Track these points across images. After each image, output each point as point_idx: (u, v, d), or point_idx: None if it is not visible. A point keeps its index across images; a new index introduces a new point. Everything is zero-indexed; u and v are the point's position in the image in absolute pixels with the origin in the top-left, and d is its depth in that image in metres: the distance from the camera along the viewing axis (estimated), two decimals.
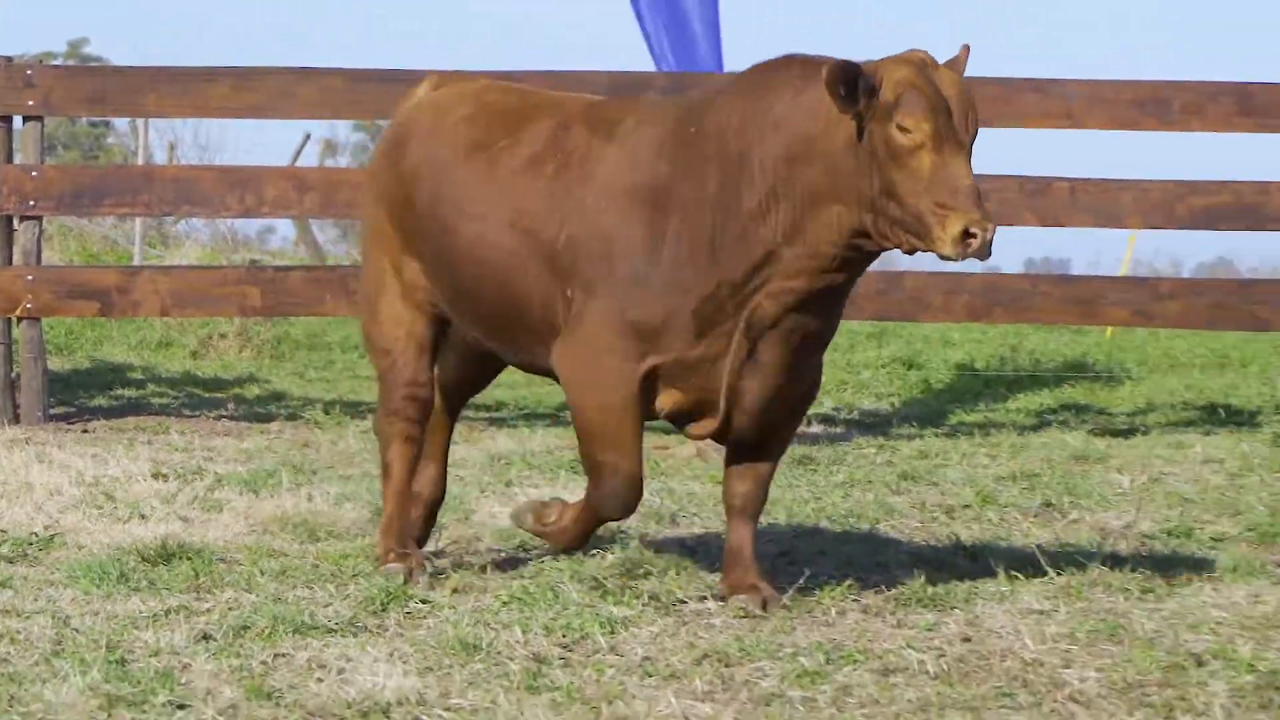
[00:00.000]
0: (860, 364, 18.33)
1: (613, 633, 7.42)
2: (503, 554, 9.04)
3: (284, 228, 37.26)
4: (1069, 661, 7.14)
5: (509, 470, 11.77)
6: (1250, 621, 7.86)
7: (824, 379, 8.29)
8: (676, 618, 7.73)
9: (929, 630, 7.57)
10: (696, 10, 14.08)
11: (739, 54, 13.96)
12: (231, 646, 7.16)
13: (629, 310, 7.82)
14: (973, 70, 7.90)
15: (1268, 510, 10.44)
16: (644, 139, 7.98)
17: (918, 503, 10.82)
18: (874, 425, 14.27)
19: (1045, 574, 8.68)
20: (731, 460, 8.15)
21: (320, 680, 6.72)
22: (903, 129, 7.52)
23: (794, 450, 12.99)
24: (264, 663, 6.96)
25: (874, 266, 8.38)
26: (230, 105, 14.16)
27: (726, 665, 7.02)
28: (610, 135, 8.05)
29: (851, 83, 7.51)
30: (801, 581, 8.25)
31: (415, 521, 8.74)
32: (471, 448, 12.76)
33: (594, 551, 8.96)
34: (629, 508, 8.10)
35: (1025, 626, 7.58)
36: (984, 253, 7.47)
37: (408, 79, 13.84)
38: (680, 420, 8.07)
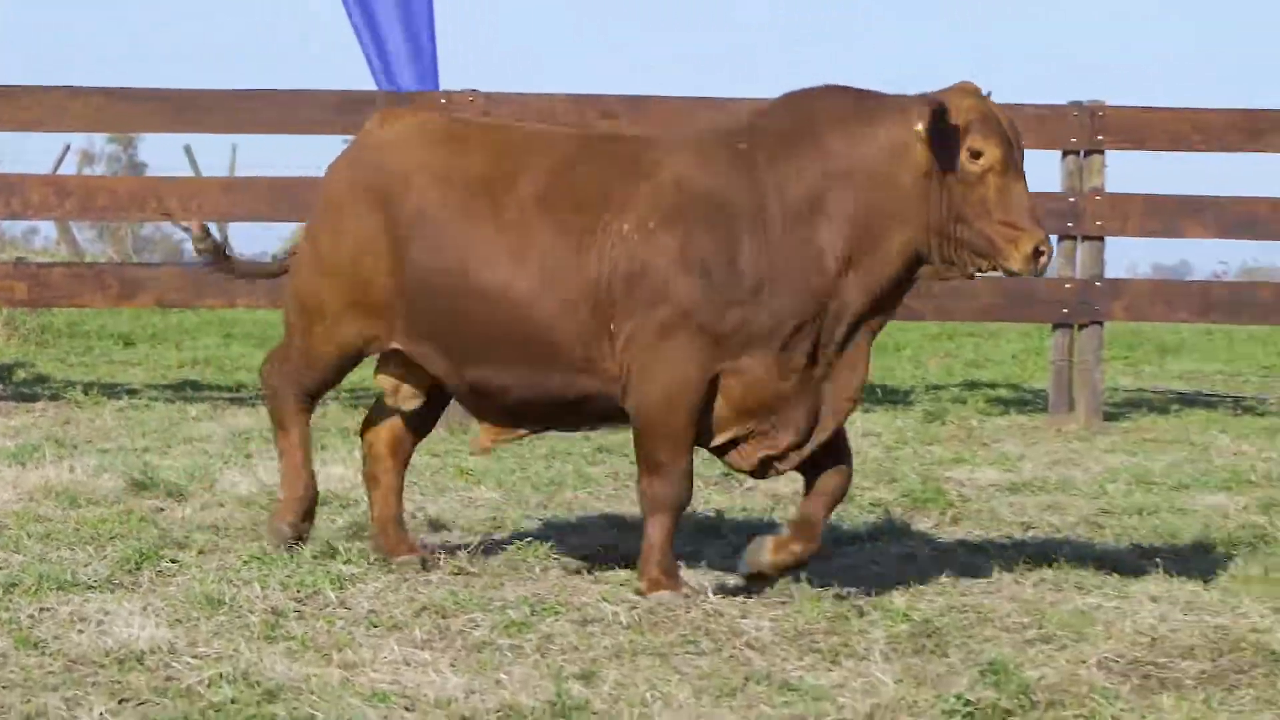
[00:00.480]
0: None
1: (342, 588, 7.38)
2: (243, 519, 8.96)
3: (46, 229, 36.77)
4: (746, 613, 7.20)
5: (249, 444, 11.67)
6: (904, 576, 7.97)
7: None
8: (398, 575, 7.70)
9: (622, 585, 7.59)
10: (403, 29, 13.96)
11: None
12: (1, 602, 7.06)
13: (705, 317, 7.27)
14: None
15: (920, 478, 10.58)
16: (682, 161, 7.48)
17: (611, 473, 10.85)
18: None
19: (724, 536, 8.75)
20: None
21: (81, 631, 6.63)
22: (974, 154, 7.21)
23: None
24: (31, 616, 6.87)
25: None
26: (5, 119, 13.97)
27: (443, 617, 7.01)
28: (635, 169, 7.51)
29: (942, 118, 7.19)
30: (511, 544, 8.27)
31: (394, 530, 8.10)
32: (215, 424, 12.68)
33: (326, 515, 8.92)
34: (691, 493, 7.55)
35: (708, 582, 7.64)
36: (1046, 270, 7.29)
37: (161, 97, 13.82)
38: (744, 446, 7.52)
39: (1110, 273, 14.29)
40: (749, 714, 5.97)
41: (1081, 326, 14.04)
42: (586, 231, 7.41)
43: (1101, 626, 7.12)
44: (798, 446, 7.46)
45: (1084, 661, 6.63)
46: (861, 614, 7.22)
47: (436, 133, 7.84)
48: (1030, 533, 9.22)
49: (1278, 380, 18.54)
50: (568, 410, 7.67)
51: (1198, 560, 8.49)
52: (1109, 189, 14.08)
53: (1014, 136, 7.26)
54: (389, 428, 8.07)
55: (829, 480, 7.54)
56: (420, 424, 8.11)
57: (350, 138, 8.24)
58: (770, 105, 7.58)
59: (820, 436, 7.45)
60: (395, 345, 7.77)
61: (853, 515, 9.48)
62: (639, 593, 7.38)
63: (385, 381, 7.95)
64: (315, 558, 7.85)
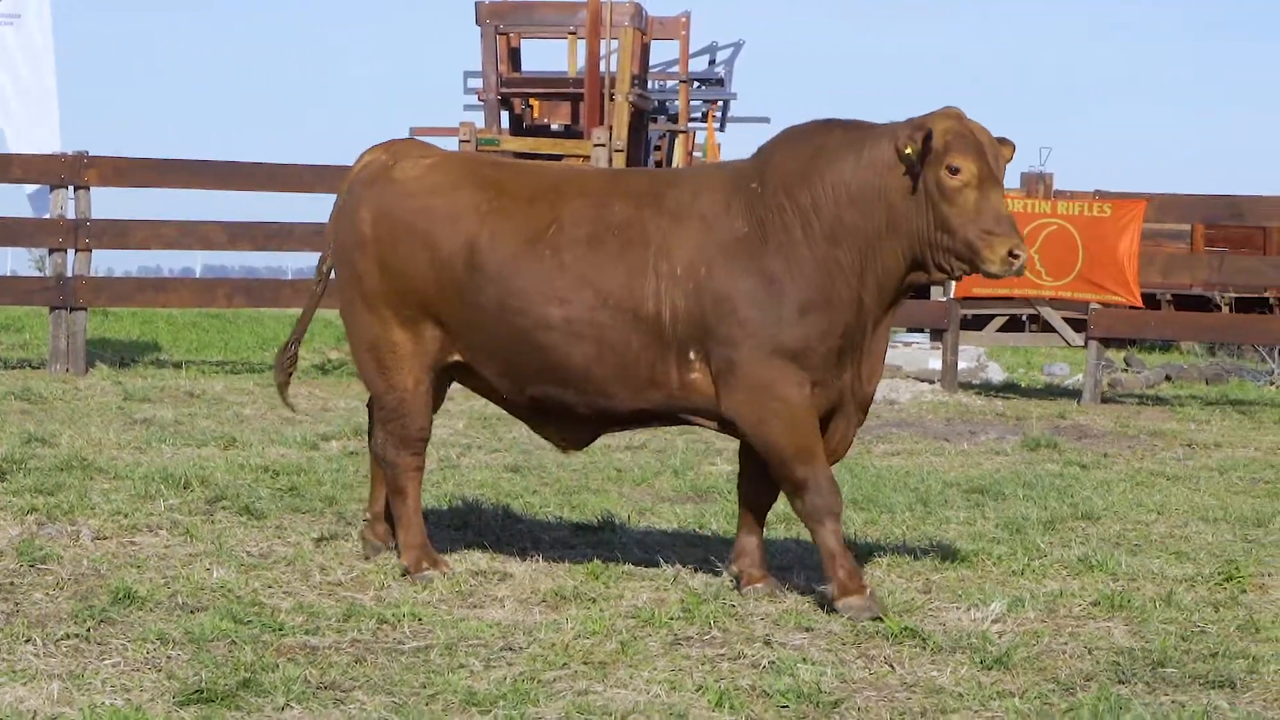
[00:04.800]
0: None
1: None
2: None
3: None
4: None
5: None
6: None
7: None
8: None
9: None
10: None
11: None
12: None
13: (780, 342, 6.32)
14: None
15: None
16: (709, 203, 6.45)
17: None
18: None
19: None
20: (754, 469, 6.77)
21: None
22: (953, 170, 6.32)
23: None
24: None
25: None
26: None
27: None
28: (661, 208, 6.45)
29: (930, 140, 6.30)
30: None
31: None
32: None
33: None
34: (840, 498, 6.51)
35: None
36: (1023, 270, 6.33)
37: None
38: None
39: None
40: None
41: None
42: (638, 270, 6.45)
43: None
44: (846, 438, 6.75)
45: None
46: None
47: (468, 177, 6.63)
48: None
49: None
50: (629, 419, 6.70)
51: None
52: None
53: (993, 153, 6.43)
54: None
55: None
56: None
57: None
58: (771, 145, 6.69)
59: (854, 425, 6.74)
60: (457, 358, 6.65)
61: None
62: (830, 599, 6.41)
63: None
64: None
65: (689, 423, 6.68)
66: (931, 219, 6.41)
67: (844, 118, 6.65)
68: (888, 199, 6.44)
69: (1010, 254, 6.33)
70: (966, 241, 6.37)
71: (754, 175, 6.56)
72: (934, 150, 6.37)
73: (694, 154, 22.90)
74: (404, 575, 6.81)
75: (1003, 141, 6.52)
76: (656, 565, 7.10)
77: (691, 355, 6.49)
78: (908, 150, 6.37)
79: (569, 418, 6.75)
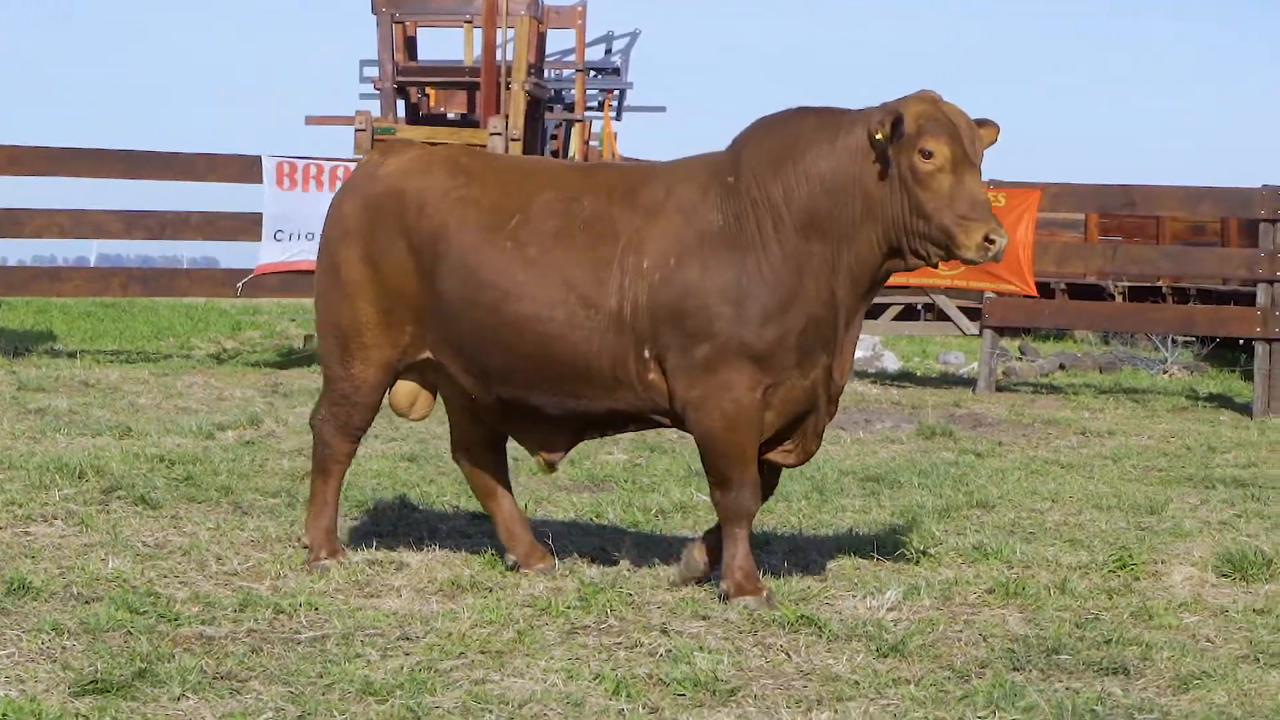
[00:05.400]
0: None
1: None
2: None
3: None
4: None
5: None
6: None
7: None
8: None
9: None
10: None
11: None
12: None
13: (745, 343, 6.24)
14: None
15: None
16: (683, 197, 6.31)
17: None
18: None
19: None
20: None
21: None
22: (926, 154, 6.19)
23: None
24: None
25: None
26: None
27: None
28: (635, 202, 6.34)
29: (899, 125, 6.16)
30: None
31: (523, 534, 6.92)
32: None
33: None
34: (758, 502, 6.49)
35: None
36: (1001, 255, 6.22)
37: None
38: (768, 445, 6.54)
39: None
40: None
41: None
42: (604, 265, 6.30)
43: None
44: (818, 431, 6.63)
45: None
46: None
47: (441, 163, 6.53)
48: None
49: None
50: (604, 422, 6.57)
51: None
52: None
53: (969, 137, 6.28)
54: (479, 441, 6.83)
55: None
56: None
57: None
58: (744, 136, 6.50)
59: (825, 420, 6.64)
60: (427, 354, 6.52)
61: None
62: (724, 597, 6.34)
63: (401, 398, 6.71)
64: None
65: (659, 424, 6.56)
66: (906, 205, 6.28)
67: (816, 105, 6.52)
68: (863, 186, 6.32)
69: (986, 239, 6.21)
70: (942, 227, 6.25)
71: (729, 168, 6.44)
72: (907, 134, 6.25)
73: (590, 143, 22.92)
74: (305, 563, 6.77)
75: (984, 124, 6.38)
76: (553, 554, 7.08)
77: (647, 353, 6.38)
78: (878, 135, 6.25)
79: (541, 420, 6.62)
